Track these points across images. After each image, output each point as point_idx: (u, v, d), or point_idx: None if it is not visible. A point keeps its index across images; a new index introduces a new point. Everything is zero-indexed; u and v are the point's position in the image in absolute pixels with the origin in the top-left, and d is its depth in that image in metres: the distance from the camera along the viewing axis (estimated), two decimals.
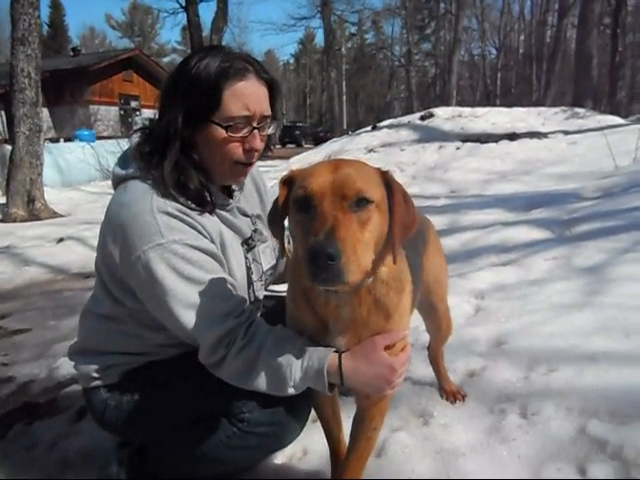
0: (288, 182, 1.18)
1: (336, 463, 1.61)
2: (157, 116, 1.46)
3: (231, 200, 1.55)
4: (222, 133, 1.39)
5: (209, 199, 1.44)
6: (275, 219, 1.21)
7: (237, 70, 1.38)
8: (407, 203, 1.15)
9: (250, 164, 1.49)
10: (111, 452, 1.85)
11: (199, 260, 1.33)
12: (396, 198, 1.12)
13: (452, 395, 2.09)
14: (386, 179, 1.15)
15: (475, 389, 2.12)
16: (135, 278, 1.35)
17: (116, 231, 1.35)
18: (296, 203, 1.09)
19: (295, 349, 1.27)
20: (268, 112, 1.46)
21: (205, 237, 1.39)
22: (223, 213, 1.51)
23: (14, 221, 8.17)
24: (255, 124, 1.42)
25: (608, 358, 2.15)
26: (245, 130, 1.41)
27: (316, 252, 0.96)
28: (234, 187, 1.60)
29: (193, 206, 1.39)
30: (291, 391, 1.29)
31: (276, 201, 1.21)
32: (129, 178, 1.42)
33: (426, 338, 2.24)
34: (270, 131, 1.51)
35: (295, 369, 1.26)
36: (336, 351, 1.27)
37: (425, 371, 2.26)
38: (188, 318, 1.30)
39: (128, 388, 1.53)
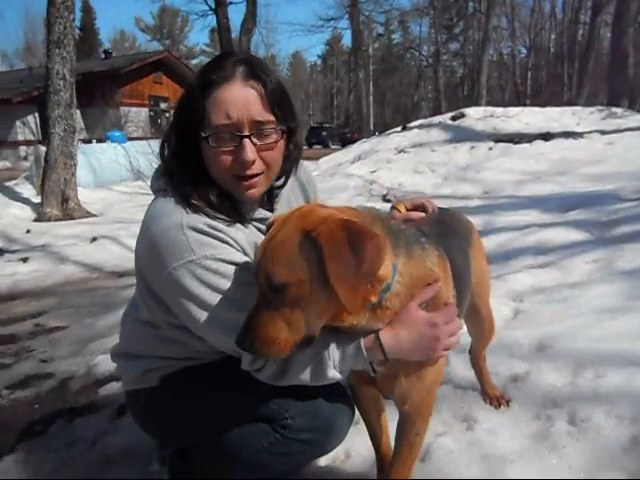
0: None
1: (382, 467, 1.59)
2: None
3: (270, 214, 1.47)
4: (208, 146, 1.31)
5: (236, 211, 1.39)
6: None
7: (220, 77, 1.29)
8: (353, 248, 1.04)
9: (250, 177, 1.35)
10: (153, 451, 1.86)
11: (233, 273, 1.30)
12: (326, 259, 1.03)
13: (496, 400, 2.03)
14: (314, 240, 1.06)
15: (519, 394, 2.07)
16: (167, 294, 1.34)
17: (148, 245, 1.34)
18: None
19: (328, 336, 1.23)
20: (262, 117, 1.31)
21: (237, 250, 1.35)
22: (261, 226, 1.45)
23: (48, 220, 8.33)
24: (246, 132, 1.30)
25: None
26: (232, 140, 1.31)
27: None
28: (277, 199, 1.53)
29: (223, 218, 1.35)
30: (333, 374, 1.25)
31: None
32: (162, 189, 1.40)
33: (465, 341, 2.19)
34: (279, 138, 1.36)
35: (332, 350, 1.23)
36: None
37: (466, 375, 2.21)
38: (226, 333, 1.26)
39: (168, 392, 1.51)
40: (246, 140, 1.30)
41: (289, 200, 1.59)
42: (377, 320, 1.21)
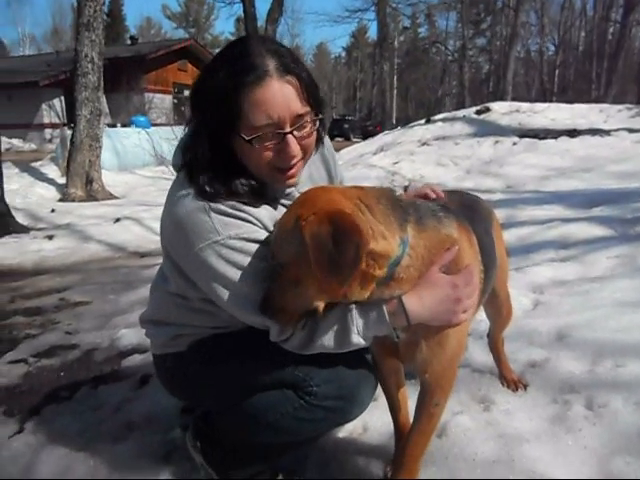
0: None
1: (399, 439, 1.62)
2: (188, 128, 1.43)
3: (293, 188, 1.50)
4: (249, 145, 1.31)
5: (263, 194, 1.41)
6: None
7: (254, 76, 1.26)
8: (334, 242, 1.10)
9: (291, 168, 1.38)
10: (174, 418, 1.91)
11: (257, 250, 1.33)
12: (309, 250, 1.11)
13: (513, 383, 2.05)
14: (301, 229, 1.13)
15: (537, 379, 2.07)
16: (195, 274, 1.38)
17: (173, 226, 1.38)
18: None
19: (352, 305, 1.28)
20: (301, 110, 1.32)
21: (260, 228, 1.37)
22: (285, 201, 1.48)
23: (72, 201, 8.48)
24: (288, 128, 1.31)
25: None
26: (274, 138, 1.31)
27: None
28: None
29: (246, 200, 1.37)
30: (357, 340, 1.28)
31: None
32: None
33: (483, 327, 2.21)
34: (314, 127, 1.38)
35: (355, 317, 1.27)
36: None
37: (484, 359, 2.22)
38: (252, 308, 1.31)
39: (195, 357, 1.55)
40: (289, 136, 1.32)
41: (310, 171, 1.62)
42: (393, 290, 1.25)
